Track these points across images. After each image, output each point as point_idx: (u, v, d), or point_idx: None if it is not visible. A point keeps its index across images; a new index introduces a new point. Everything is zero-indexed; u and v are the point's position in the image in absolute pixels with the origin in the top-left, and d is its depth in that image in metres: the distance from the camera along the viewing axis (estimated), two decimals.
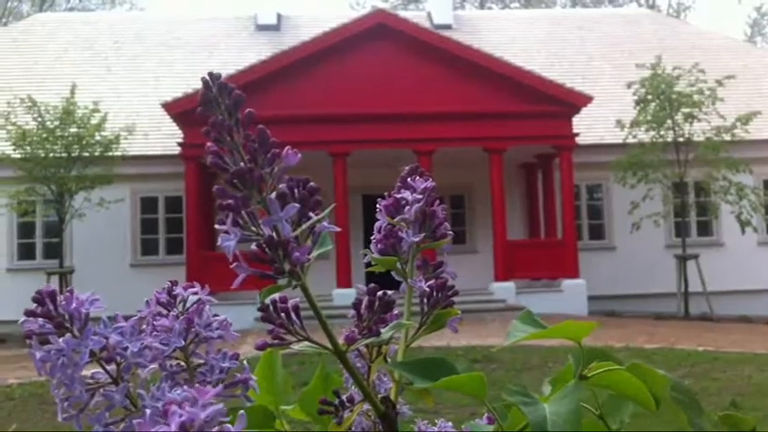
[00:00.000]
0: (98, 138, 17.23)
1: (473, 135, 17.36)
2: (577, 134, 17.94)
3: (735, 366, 10.44)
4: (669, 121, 17.94)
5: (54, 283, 14.90)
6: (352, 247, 17.35)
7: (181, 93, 17.25)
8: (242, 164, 0.58)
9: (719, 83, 17.77)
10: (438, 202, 0.81)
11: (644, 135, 18.12)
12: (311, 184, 0.63)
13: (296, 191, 0.61)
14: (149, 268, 19.06)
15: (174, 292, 0.69)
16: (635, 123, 18.19)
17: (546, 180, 19.47)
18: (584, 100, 17.73)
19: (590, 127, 19.07)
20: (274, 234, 0.59)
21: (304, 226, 0.62)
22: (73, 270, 17.55)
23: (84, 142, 17.05)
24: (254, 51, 21.16)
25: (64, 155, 16.93)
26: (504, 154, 17.64)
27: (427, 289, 0.79)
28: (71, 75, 19.93)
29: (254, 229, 0.59)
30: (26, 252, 19.20)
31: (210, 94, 0.60)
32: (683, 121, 17.97)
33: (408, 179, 0.79)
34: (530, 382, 10.07)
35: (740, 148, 17.97)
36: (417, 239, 0.76)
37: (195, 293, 0.70)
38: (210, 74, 0.61)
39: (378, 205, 0.81)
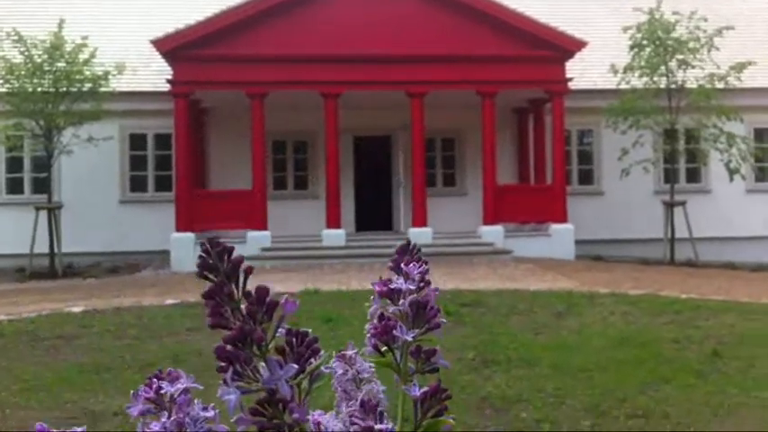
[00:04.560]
0: (87, 73, 17.04)
1: (465, 78, 17.24)
2: (570, 79, 17.84)
3: (718, 314, 10.53)
4: (663, 68, 17.86)
5: (42, 218, 14.86)
6: (342, 188, 17.35)
7: (171, 29, 17.01)
8: (240, 323, 0.59)
9: (719, 32, 17.62)
10: (428, 283, 0.79)
11: (637, 81, 18.04)
12: (309, 336, 0.64)
13: (294, 342, 0.63)
14: (138, 205, 19.07)
15: (162, 390, 0.70)
16: (628, 69, 18.09)
17: (537, 125, 19.42)
18: (578, 45, 17.59)
19: (583, 72, 18.96)
20: (274, 388, 0.61)
21: (302, 376, 0.63)
22: (61, 205, 17.51)
23: (72, 78, 16.87)
24: None
25: (52, 90, 16.75)
26: (496, 98, 17.56)
27: (420, 396, 0.78)
28: (59, 9, 19.57)
29: (253, 383, 0.60)
30: (15, 187, 19.15)
31: (210, 261, 0.60)
32: (676, 68, 17.89)
33: (402, 264, 0.79)
34: (517, 325, 10.18)
35: (732, 96, 17.91)
36: (410, 338, 0.77)
37: (181, 386, 0.71)
38: (210, 240, 0.61)
39: (373, 294, 0.79)
